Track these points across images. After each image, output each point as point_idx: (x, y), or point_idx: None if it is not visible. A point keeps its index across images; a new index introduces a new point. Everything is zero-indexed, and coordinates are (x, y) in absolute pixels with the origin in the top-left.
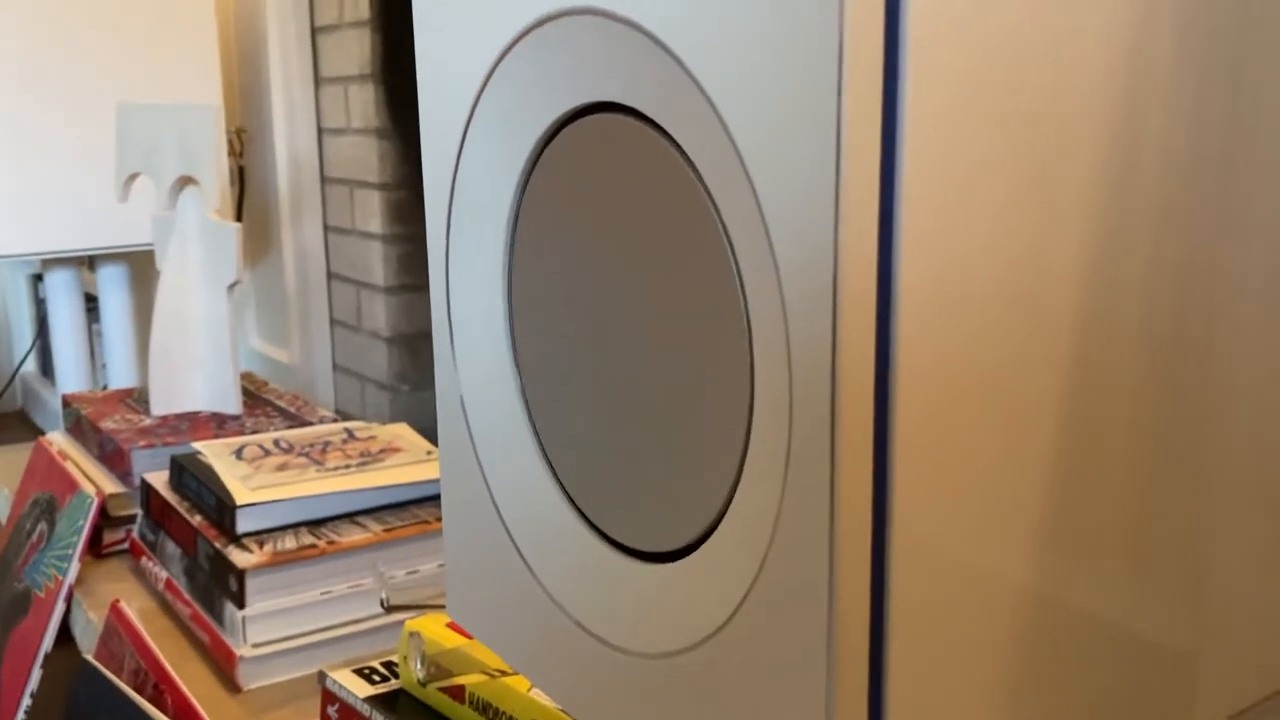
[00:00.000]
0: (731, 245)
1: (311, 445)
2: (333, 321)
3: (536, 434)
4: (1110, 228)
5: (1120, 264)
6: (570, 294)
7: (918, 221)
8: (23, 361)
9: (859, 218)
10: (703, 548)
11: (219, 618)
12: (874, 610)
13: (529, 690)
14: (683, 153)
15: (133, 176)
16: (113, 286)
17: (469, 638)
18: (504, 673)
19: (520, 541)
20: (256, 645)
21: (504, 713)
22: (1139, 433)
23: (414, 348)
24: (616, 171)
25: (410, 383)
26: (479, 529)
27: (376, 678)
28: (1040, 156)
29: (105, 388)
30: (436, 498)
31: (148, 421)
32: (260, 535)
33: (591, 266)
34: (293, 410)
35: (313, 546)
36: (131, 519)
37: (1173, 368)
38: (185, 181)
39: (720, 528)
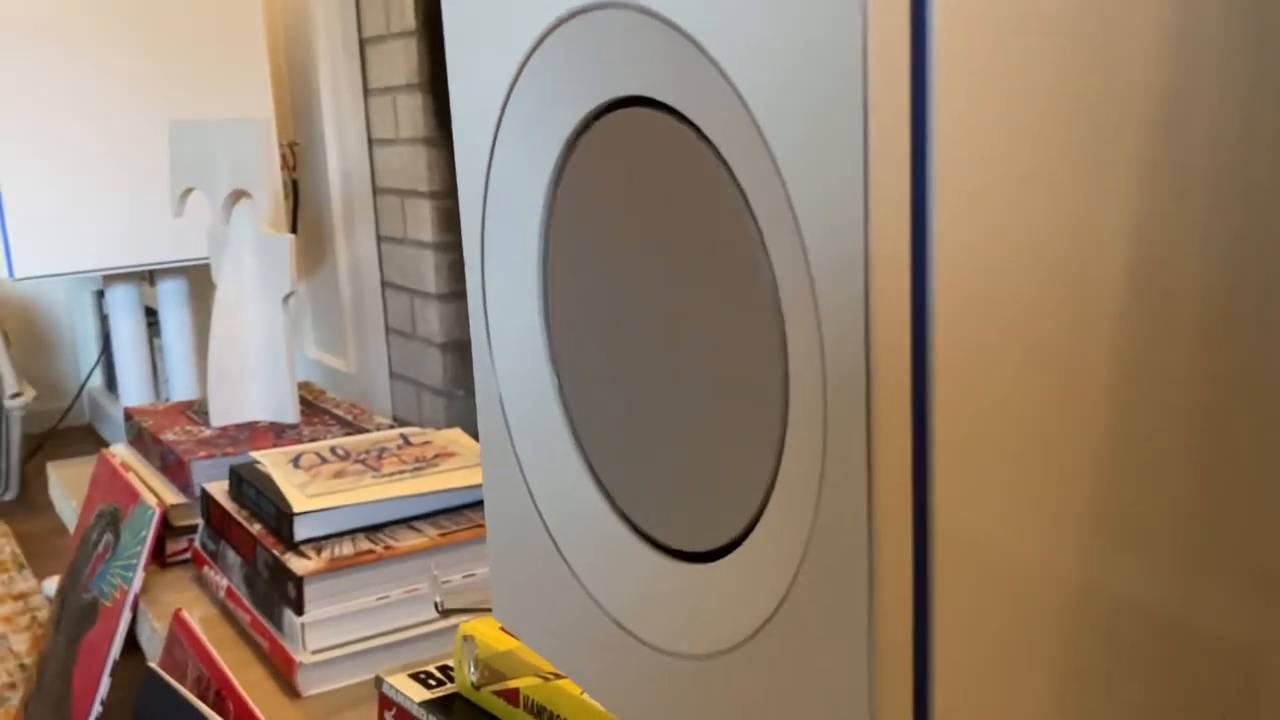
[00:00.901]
0: (763, 239)
1: (368, 452)
2: (388, 329)
3: (575, 433)
4: (1160, 210)
5: (1171, 247)
6: (604, 291)
7: (951, 212)
8: (89, 376)
9: (890, 211)
10: (741, 547)
11: (278, 624)
12: (917, 606)
13: (582, 693)
14: (710, 144)
15: (187, 192)
16: (172, 300)
17: None
18: (558, 675)
19: (561, 543)
20: (316, 651)
21: (558, 715)
22: (1197, 419)
23: (467, 353)
24: (646, 166)
25: (465, 388)
26: (521, 532)
27: (433, 682)
28: (1082, 141)
29: (167, 400)
30: None
31: (207, 433)
32: (318, 542)
33: (624, 263)
34: (350, 418)
35: (370, 552)
36: (193, 529)
37: (1232, 351)
38: (238, 195)
39: (758, 526)
